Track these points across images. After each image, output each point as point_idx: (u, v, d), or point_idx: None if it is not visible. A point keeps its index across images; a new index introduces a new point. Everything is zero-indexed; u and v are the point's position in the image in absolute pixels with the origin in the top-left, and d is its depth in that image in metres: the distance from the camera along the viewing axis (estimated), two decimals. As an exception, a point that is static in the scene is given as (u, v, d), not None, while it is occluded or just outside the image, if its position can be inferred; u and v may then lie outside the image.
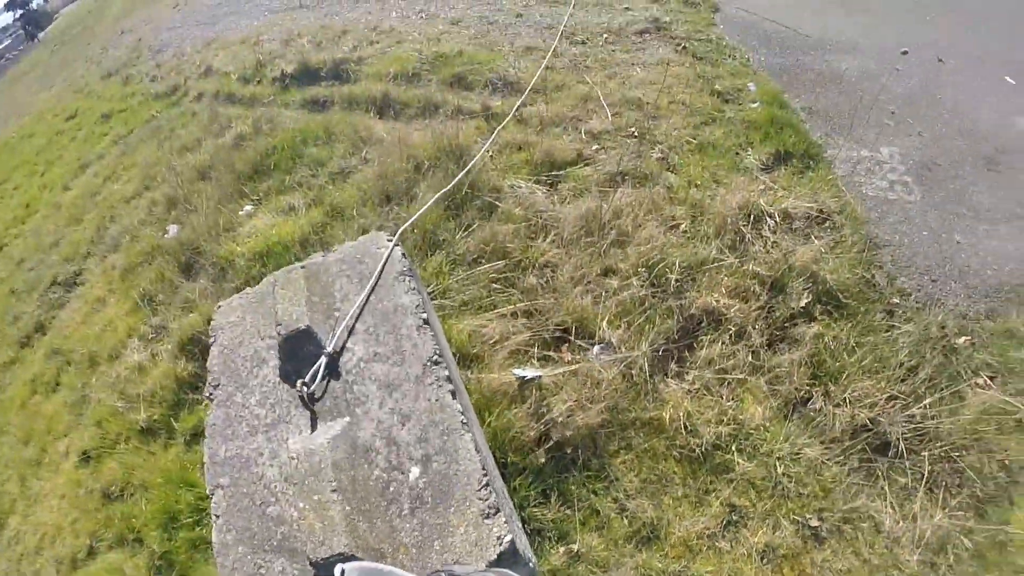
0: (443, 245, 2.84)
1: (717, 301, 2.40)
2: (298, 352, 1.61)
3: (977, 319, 2.33)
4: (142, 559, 2.33)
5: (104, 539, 2.47)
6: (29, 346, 3.80)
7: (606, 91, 3.91)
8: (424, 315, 1.60)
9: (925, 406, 1.98)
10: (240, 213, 3.42)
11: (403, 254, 1.79)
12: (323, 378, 1.54)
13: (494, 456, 2.01)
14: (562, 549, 1.88)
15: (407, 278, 1.70)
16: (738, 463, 1.98)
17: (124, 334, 3.12)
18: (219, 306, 1.94)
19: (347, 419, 1.49)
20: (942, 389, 2.04)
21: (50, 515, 2.70)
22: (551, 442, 2.07)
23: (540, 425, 2.07)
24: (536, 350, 2.41)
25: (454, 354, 2.35)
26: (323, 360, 1.54)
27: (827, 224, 2.67)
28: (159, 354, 2.87)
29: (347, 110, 4.31)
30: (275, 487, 1.46)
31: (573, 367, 2.30)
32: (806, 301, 2.31)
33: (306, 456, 1.44)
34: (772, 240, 2.56)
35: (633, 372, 2.27)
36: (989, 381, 2.10)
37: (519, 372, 2.19)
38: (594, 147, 3.49)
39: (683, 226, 2.87)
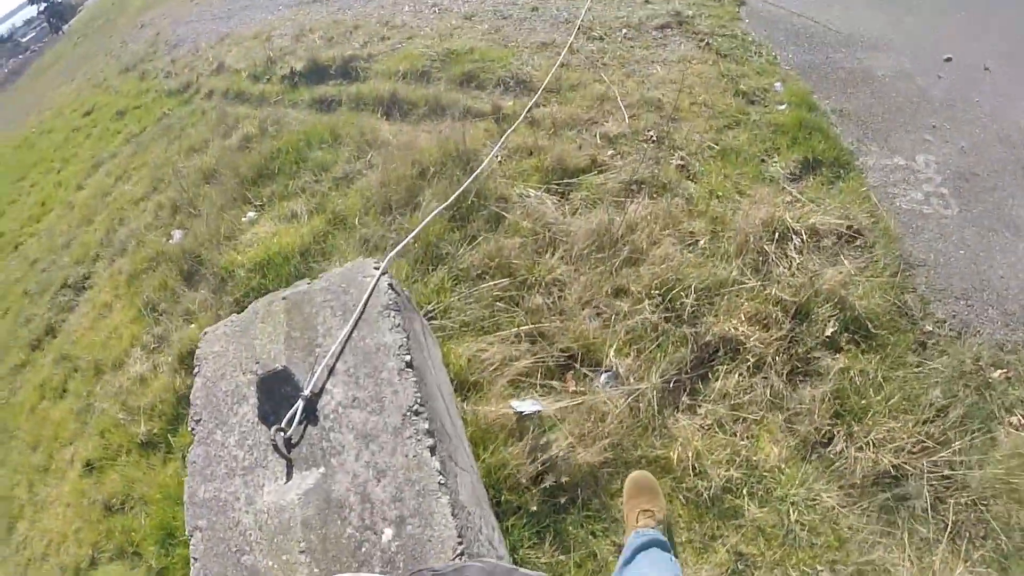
0: (446, 259, 2.71)
1: (736, 328, 2.23)
2: (275, 392, 1.52)
3: (1015, 349, 2.12)
4: (140, 573, 2.33)
5: (105, 551, 2.48)
6: (40, 349, 3.83)
7: (624, 91, 3.71)
8: (407, 356, 1.48)
9: (954, 451, 1.80)
10: (243, 220, 3.36)
11: (390, 285, 1.67)
12: (300, 422, 1.45)
13: (488, 493, 1.91)
14: (558, 600, 1.77)
15: (392, 313, 1.59)
16: (748, 508, 1.83)
17: (128, 343, 3.10)
18: (205, 332, 1.86)
19: (322, 470, 1.39)
20: (973, 432, 1.85)
21: (56, 522, 2.72)
22: (550, 481, 1.95)
23: (538, 464, 1.94)
24: (539, 377, 2.28)
25: (452, 380, 2.25)
26: (300, 404, 1.45)
27: (858, 243, 2.46)
28: (160, 366, 2.84)
29: (355, 110, 4.21)
30: (250, 535, 1.39)
31: (577, 400, 2.17)
32: (832, 330, 2.13)
33: (276, 512, 1.34)
34: (798, 262, 2.37)
35: (641, 405, 2.12)
36: (1021, 421, 1.91)
37: (518, 406, 2.07)
38: (609, 152, 3.31)
39: (702, 243, 2.69)
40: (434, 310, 2.53)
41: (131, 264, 3.60)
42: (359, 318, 1.58)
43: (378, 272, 1.70)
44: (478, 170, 2.94)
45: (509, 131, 3.37)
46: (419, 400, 1.41)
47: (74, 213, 5.11)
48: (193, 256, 3.18)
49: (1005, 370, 2.04)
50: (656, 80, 3.79)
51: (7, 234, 6.11)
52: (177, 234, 3.57)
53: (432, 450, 1.32)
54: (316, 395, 1.49)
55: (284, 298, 1.69)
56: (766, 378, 2.10)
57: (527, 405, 2.09)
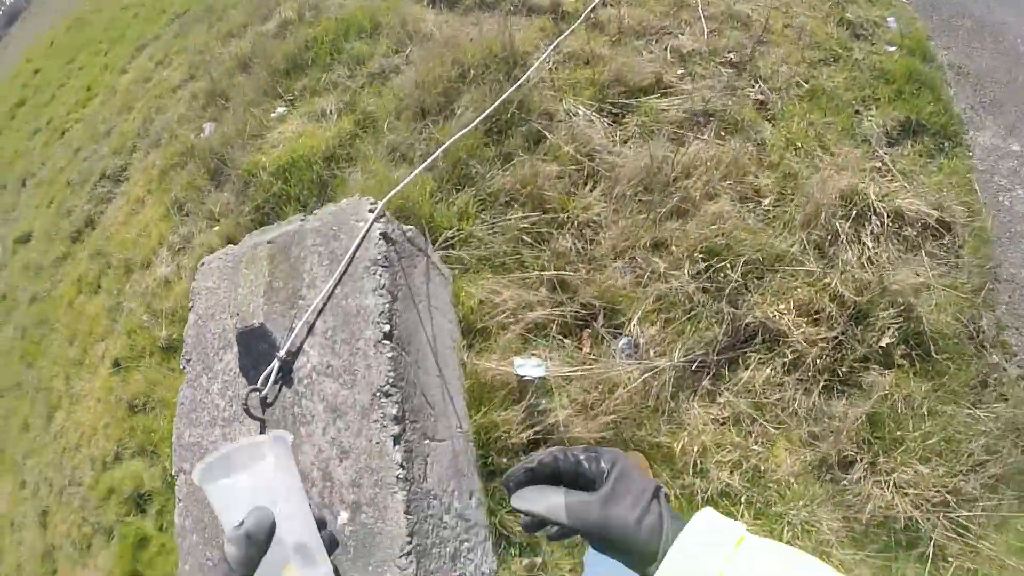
0: (475, 179, 2.45)
1: (781, 315, 1.99)
2: (253, 348, 1.46)
3: None
4: (157, 471, 2.50)
5: (128, 447, 2.65)
6: (79, 241, 3.92)
7: None
8: (387, 326, 1.37)
9: (977, 511, 1.61)
10: (272, 116, 3.18)
11: (383, 234, 1.52)
12: (275, 382, 1.40)
13: (478, 452, 1.88)
14: (525, 561, 1.78)
15: (379, 271, 1.45)
16: (741, 516, 1.74)
17: (156, 242, 3.13)
18: (201, 263, 1.79)
19: (291, 436, 1.36)
20: (1004, 497, 1.65)
21: (87, 416, 2.91)
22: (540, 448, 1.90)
23: (531, 432, 1.88)
24: (553, 330, 2.14)
25: (460, 322, 2.15)
26: (275, 364, 1.39)
27: (945, 240, 2.10)
28: (183, 268, 2.87)
29: (401, -7, 3.76)
30: None
31: (588, 366, 2.05)
32: (889, 341, 1.87)
33: None
34: (872, 251, 2.04)
35: (656, 383, 1.98)
36: None
37: (519, 367, 1.97)
38: (679, 72, 2.84)
39: (765, 203, 2.36)
40: (454, 237, 2.33)
41: (163, 158, 3.54)
42: (344, 272, 1.46)
43: (371, 216, 1.54)
44: (522, 78, 2.55)
45: (566, 33, 2.89)
46: (391, 380, 1.32)
47: (116, 99, 5.00)
48: (219, 155, 3.07)
49: (1060, 430, 1.78)
50: None
51: (55, 120, 6.10)
52: (208, 127, 3.44)
53: (396, 439, 1.25)
54: (293, 355, 1.42)
55: (270, 242, 1.58)
56: (801, 380, 1.90)
57: (530, 368, 1.98)
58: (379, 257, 1.46)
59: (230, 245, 1.77)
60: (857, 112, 2.62)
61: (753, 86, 2.83)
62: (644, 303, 2.12)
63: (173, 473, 1.52)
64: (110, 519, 2.54)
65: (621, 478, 0.52)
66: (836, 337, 1.91)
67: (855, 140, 2.50)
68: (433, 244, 2.26)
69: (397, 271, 1.53)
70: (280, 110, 3.22)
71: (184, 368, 1.61)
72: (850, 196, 2.17)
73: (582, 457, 0.54)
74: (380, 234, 1.51)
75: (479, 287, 2.18)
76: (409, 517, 1.20)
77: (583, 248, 2.25)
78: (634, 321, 2.10)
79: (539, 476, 0.56)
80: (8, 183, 5.89)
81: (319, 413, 1.33)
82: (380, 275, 1.44)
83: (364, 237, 1.48)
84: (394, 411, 1.28)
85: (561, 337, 2.11)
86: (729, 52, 2.91)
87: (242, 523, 0.54)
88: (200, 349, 1.57)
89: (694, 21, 3.07)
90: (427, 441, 1.43)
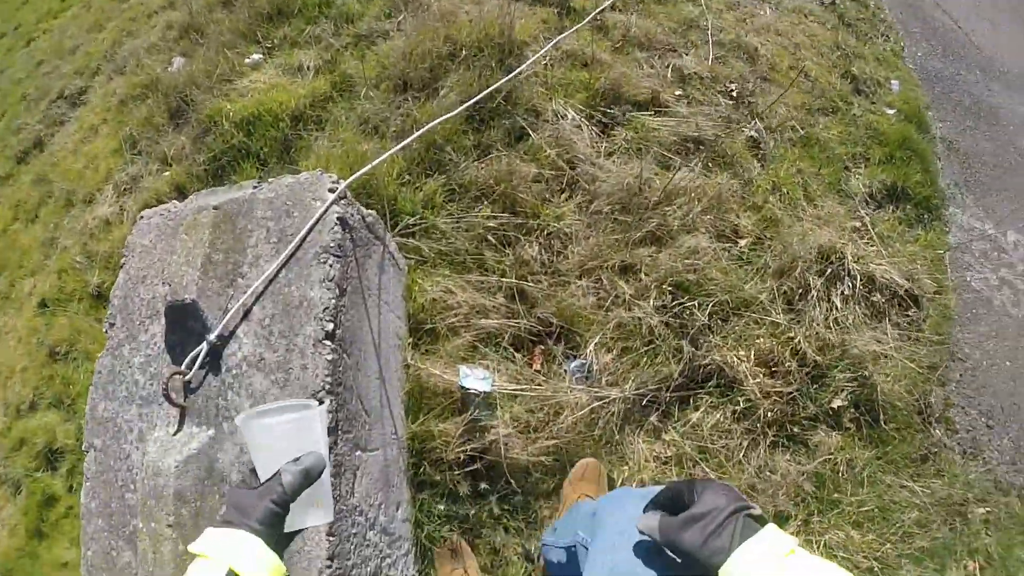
0: (447, 167, 2.29)
1: (740, 362, 1.93)
2: (182, 325, 1.30)
3: (1008, 491, 1.87)
4: (72, 428, 2.31)
5: (44, 396, 2.45)
6: (25, 163, 3.61)
7: (719, 23, 3.05)
8: (330, 325, 1.24)
9: None
10: (245, 61, 2.94)
11: (340, 219, 1.38)
12: (201, 367, 1.24)
13: (411, 461, 1.77)
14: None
15: (330, 260, 1.31)
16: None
17: (102, 177, 2.88)
18: (141, 216, 1.61)
19: (211, 432, 1.21)
20: (926, 568, 1.65)
21: (7, 355, 2.69)
22: (476, 465, 1.80)
23: (467, 448, 1.77)
24: (505, 341, 2.04)
25: (409, 318, 2.01)
26: (204, 348, 1.23)
27: (910, 312, 2.09)
28: (126, 211, 2.63)
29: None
30: (136, 474, 1.26)
31: (536, 385, 1.95)
32: (841, 403, 1.85)
33: (153, 474, 1.19)
34: (840, 312, 2.01)
35: (603, 413, 1.90)
36: (977, 570, 1.70)
37: (466, 379, 1.85)
38: (677, 92, 2.73)
39: (742, 244, 2.31)
40: (415, 226, 2.18)
41: (125, 88, 3.26)
42: (292, 255, 1.31)
43: (330, 198, 1.39)
44: (516, 70, 2.41)
45: (570, 31, 2.74)
46: (327, 386, 1.19)
47: (89, 15, 4.60)
48: (183, 93, 2.82)
49: (989, 510, 1.80)
50: (761, 24, 3.14)
51: (24, 26, 5.61)
52: (178, 61, 3.18)
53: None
54: (224, 339, 1.27)
55: (216, 207, 1.41)
56: (750, 430, 1.86)
57: (475, 380, 1.87)
58: (332, 245, 1.32)
59: (174, 202, 1.59)
60: (847, 168, 2.60)
61: (749, 122, 2.77)
62: (604, 328, 2.03)
63: (83, 448, 1.35)
64: (18, 471, 2.38)
65: (700, 503, 0.65)
66: (791, 392, 1.87)
67: (840, 196, 2.48)
68: (392, 229, 2.12)
69: (350, 261, 1.39)
70: (255, 56, 2.98)
71: (107, 331, 1.43)
72: (828, 253, 2.13)
73: (684, 488, 0.69)
74: (337, 219, 1.36)
75: (434, 283, 2.05)
76: (331, 539, 1.08)
77: (549, 260, 2.14)
78: (591, 345, 2.01)
79: (657, 502, 0.73)
80: (-37, 86, 5.39)
81: (245, 409, 1.19)
82: (331, 265, 1.30)
83: (319, 220, 1.34)
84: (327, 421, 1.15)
85: (512, 350, 2.00)
86: (731, 82, 2.84)
87: (299, 459, 0.68)
88: (126, 314, 1.40)
89: (701, 44, 2.98)
90: (358, 452, 1.31)
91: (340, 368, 1.25)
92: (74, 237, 2.75)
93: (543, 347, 2.08)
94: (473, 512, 1.77)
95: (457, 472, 1.78)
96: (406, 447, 1.74)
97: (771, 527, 0.61)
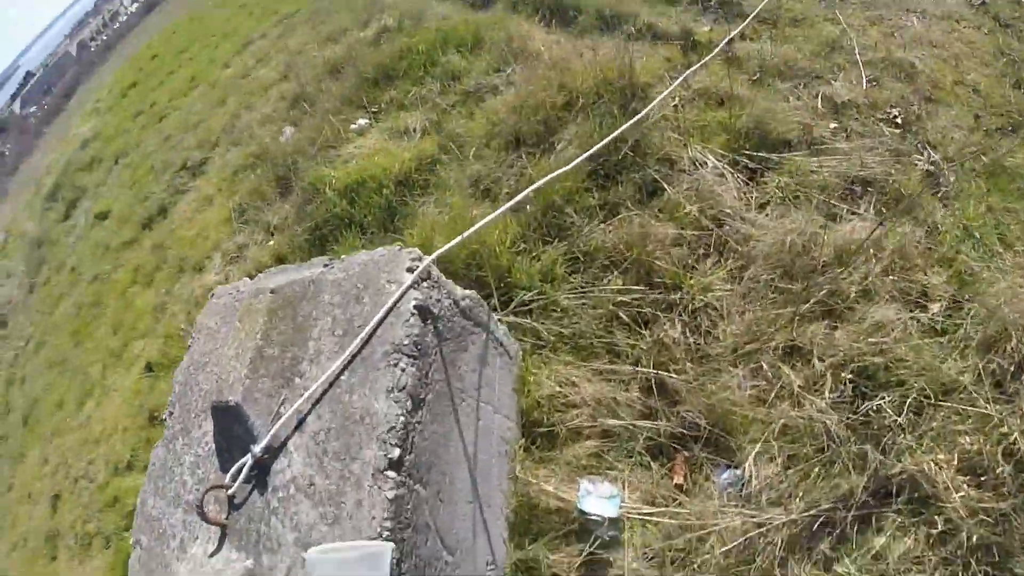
0: (570, 231, 2.04)
1: (937, 469, 1.44)
2: (229, 429, 1.10)
3: None
4: None
5: (140, 459, 2.49)
6: (149, 228, 3.92)
7: (865, 40, 2.64)
8: (396, 450, 0.97)
9: None
10: (351, 127, 2.93)
11: (418, 308, 1.10)
12: (247, 480, 1.04)
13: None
14: None
15: (403, 361, 1.04)
16: None
17: (212, 246, 3.00)
18: (212, 293, 1.46)
19: (250, 563, 0.99)
20: None
21: (112, 413, 2.81)
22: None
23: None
24: (639, 446, 1.66)
25: (521, 416, 1.70)
26: (248, 461, 1.03)
27: None
28: (231, 279, 2.64)
29: (510, 9, 3.46)
30: None
31: (676, 504, 1.55)
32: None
33: None
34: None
35: (762, 542, 1.45)
36: None
37: (586, 500, 1.51)
38: (832, 126, 2.30)
39: (934, 310, 1.79)
40: (532, 302, 1.91)
41: (238, 158, 3.45)
42: (356, 353, 1.06)
43: (407, 280, 1.13)
44: (641, 113, 2.13)
45: (697, 65, 2.45)
46: (386, 529, 0.90)
47: (214, 92, 5.09)
48: (290, 162, 2.84)
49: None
50: (910, 37, 2.68)
51: (157, 105, 6.35)
52: (288, 131, 3.26)
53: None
54: (273, 452, 1.05)
55: (273, 291, 1.21)
56: (948, 560, 1.37)
57: (598, 500, 1.51)
58: (407, 342, 1.06)
59: (245, 279, 1.45)
60: (1046, 199, 2.01)
61: (922, 152, 2.27)
62: (765, 430, 1.60)
63: (131, 542, 1.20)
64: (110, 527, 2.45)
65: None
66: (1003, 509, 1.37)
67: (1045, 237, 1.90)
68: (503, 308, 1.84)
69: (431, 362, 1.12)
70: (361, 122, 2.97)
71: (166, 420, 1.27)
72: (1048, 315, 1.57)
73: None
74: (415, 307, 1.10)
75: (552, 372, 1.75)
76: None
77: (695, 342, 1.77)
78: (748, 452, 1.58)
79: None
80: (105, 158, 6.14)
81: (288, 544, 0.96)
82: (403, 369, 1.04)
83: (391, 309, 1.08)
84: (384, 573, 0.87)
85: (648, 457, 1.64)
86: (892, 107, 2.39)
87: None
88: (184, 403, 1.25)
89: (849, 66, 2.57)
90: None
91: (407, 506, 0.98)
92: (181, 304, 2.86)
93: (687, 454, 1.67)
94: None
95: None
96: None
97: None
